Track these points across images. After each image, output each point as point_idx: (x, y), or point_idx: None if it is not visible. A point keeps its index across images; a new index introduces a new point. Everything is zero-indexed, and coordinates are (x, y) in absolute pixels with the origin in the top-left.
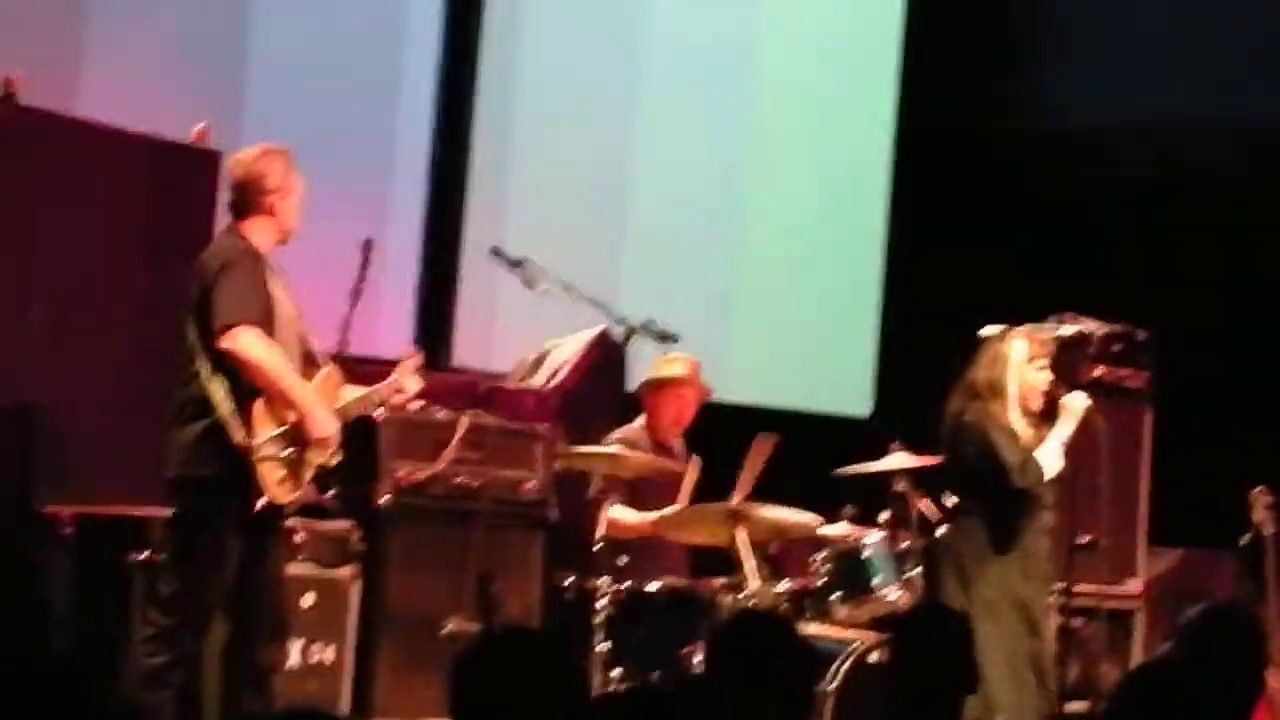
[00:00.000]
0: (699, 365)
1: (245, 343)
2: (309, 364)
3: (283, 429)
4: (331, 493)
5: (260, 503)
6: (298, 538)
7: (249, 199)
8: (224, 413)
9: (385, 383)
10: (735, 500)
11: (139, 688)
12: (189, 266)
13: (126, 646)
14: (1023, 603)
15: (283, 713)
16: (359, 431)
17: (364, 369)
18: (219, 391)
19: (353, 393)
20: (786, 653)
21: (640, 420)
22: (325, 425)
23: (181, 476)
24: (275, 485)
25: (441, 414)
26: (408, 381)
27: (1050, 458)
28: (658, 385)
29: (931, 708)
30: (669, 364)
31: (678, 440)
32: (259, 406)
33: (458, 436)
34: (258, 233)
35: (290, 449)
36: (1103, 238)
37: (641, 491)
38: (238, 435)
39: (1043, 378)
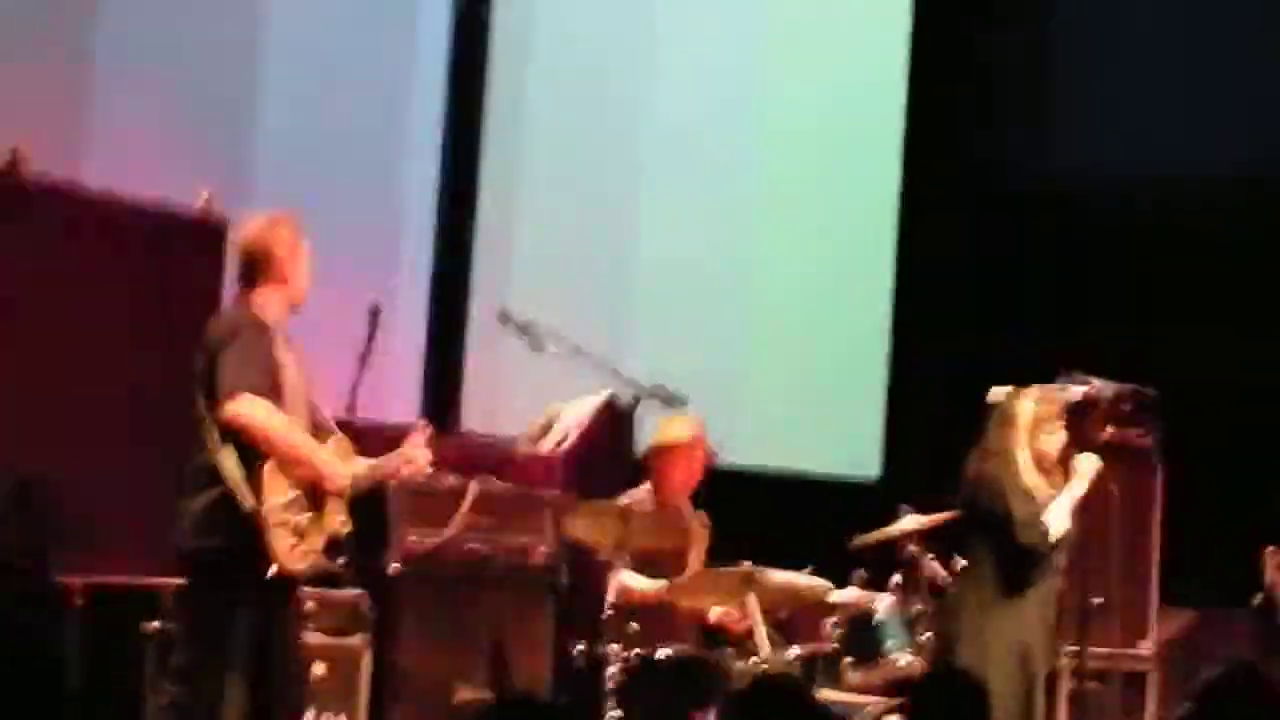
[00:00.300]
0: (703, 423)
1: (246, 409)
2: (320, 433)
3: (293, 494)
4: (342, 561)
5: (271, 571)
6: (308, 606)
7: (258, 268)
8: (233, 481)
9: (395, 454)
10: (746, 564)
11: None
12: (198, 337)
13: (140, 717)
14: (1024, 657)
15: None
16: (369, 499)
17: (371, 435)
18: (228, 460)
19: (362, 464)
20: (804, 717)
21: (646, 485)
22: (338, 475)
23: (193, 547)
24: (286, 553)
25: (450, 480)
26: (418, 454)
27: (1058, 519)
28: (665, 450)
29: None
30: (674, 426)
31: (686, 505)
32: (268, 471)
33: (467, 503)
34: (267, 301)
35: (301, 515)
36: (1110, 295)
37: (649, 558)
38: (247, 502)
39: (1055, 439)
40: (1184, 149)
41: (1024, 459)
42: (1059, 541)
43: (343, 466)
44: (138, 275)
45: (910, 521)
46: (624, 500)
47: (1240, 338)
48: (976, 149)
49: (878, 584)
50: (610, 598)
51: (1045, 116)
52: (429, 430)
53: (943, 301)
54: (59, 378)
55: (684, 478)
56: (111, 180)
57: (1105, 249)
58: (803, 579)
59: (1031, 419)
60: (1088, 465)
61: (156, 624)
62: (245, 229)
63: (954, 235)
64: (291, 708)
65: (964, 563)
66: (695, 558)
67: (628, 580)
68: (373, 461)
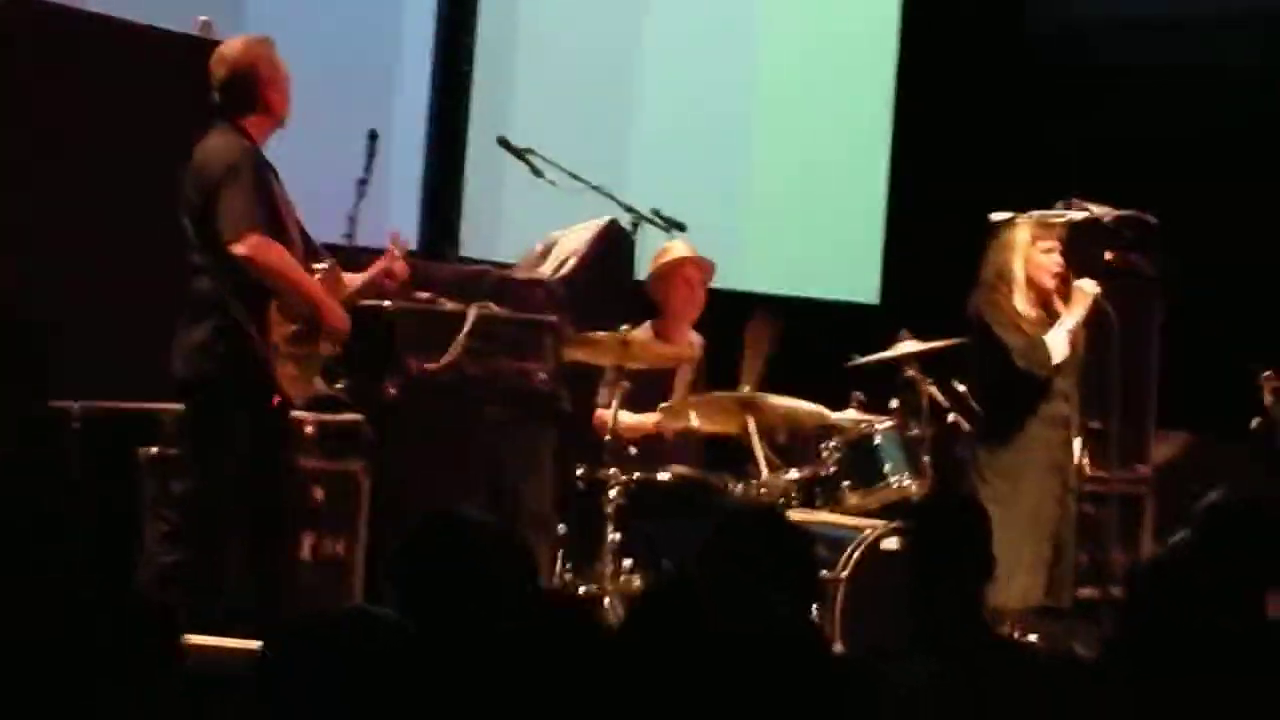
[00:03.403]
0: (700, 253)
1: (259, 251)
2: (310, 255)
3: (295, 328)
4: (340, 385)
5: (275, 400)
6: (307, 430)
7: (241, 94)
8: (237, 312)
9: (375, 268)
10: (745, 388)
11: (153, 585)
12: (184, 162)
13: (139, 543)
14: (1035, 491)
15: (338, 612)
16: (367, 323)
17: (370, 262)
18: (230, 291)
19: (352, 283)
20: (782, 545)
21: (648, 323)
22: (340, 318)
23: (193, 376)
24: (289, 383)
25: (450, 306)
26: (395, 265)
27: (1058, 343)
28: (663, 272)
29: (947, 595)
30: (671, 249)
31: (690, 334)
32: (273, 306)
33: (466, 328)
34: (255, 128)
35: (303, 346)
36: (1111, 126)
37: (648, 388)
38: (254, 336)
39: (1051, 259)
40: None
41: (1020, 283)
42: (1060, 366)
43: (342, 310)
44: (138, 98)
45: (908, 345)
46: (623, 332)
47: (1241, 167)
48: None
49: (876, 407)
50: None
51: None
52: (404, 243)
53: (943, 127)
54: (56, 201)
55: (684, 301)
56: (107, 4)
57: (1108, 80)
58: (801, 403)
59: (1028, 238)
60: (1086, 289)
61: (155, 449)
62: (222, 56)
63: (955, 61)
64: (289, 532)
65: (963, 388)
66: (681, 379)
67: (620, 417)
68: (358, 282)
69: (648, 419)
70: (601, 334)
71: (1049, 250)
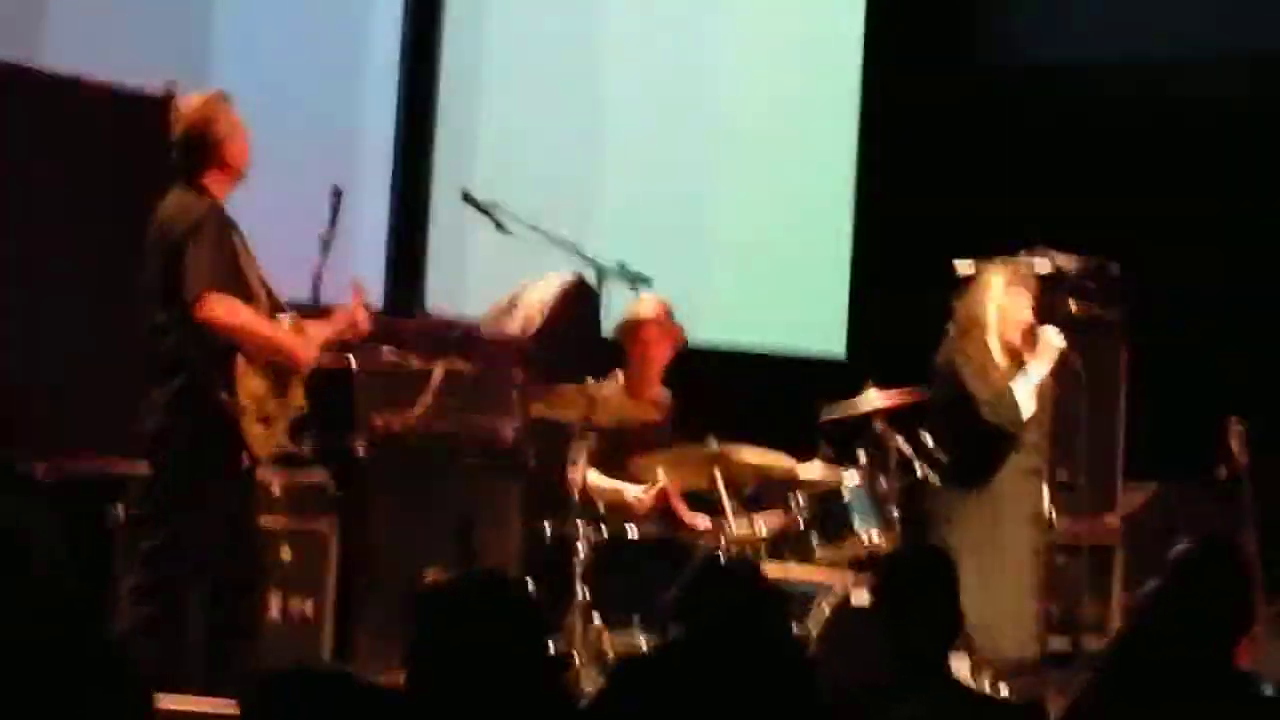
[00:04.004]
0: (667, 304)
1: (221, 310)
2: (274, 309)
3: (263, 384)
4: (308, 443)
5: (245, 459)
6: (274, 489)
7: (198, 151)
8: (203, 371)
9: (340, 318)
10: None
11: (124, 644)
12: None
13: (111, 602)
14: (1004, 544)
15: (308, 672)
16: (333, 381)
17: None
18: (194, 350)
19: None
20: (753, 598)
21: (617, 374)
22: (312, 356)
23: (161, 433)
24: (257, 442)
25: (416, 362)
26: (358, 315)
27: (1025, 397)
28: (631, 327)
29: (916, 649)
30: (640, 304)
31: (657, 387)
32: (240, 363)
33: (433, 384)
34: (214, 185)
35: (270, 402)
36: (1073, 172)
37: (617, 444)
38: (221, 394)
39: (1021, 306)
40: (1151, 26)
41: (992, 332)
42: (1029, 420)
43: (310, 343)
44: (103, 158)
45: (875, 398)
46: (591, 384)
47: (1202, 212)
48: (946, 19)
49: (843, 460)
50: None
51: None
52: (365, 293)
53: (906, 177)
54: (23, 261)
55: (653, 356)
56: (70, 64)
57: (1068, 125)
58: (770, 455)
59: (1000, 288)
60: (1053, 340)
61: (124, 508)
62: (179, 112)
63: (919, 109)
64: (257, 591)
65: (932, 441)
66: (649, 435)
67: (593, 480)
68: (322, 331)
69: (630, 490)
70: (568, 389)
71: (1020, 299)
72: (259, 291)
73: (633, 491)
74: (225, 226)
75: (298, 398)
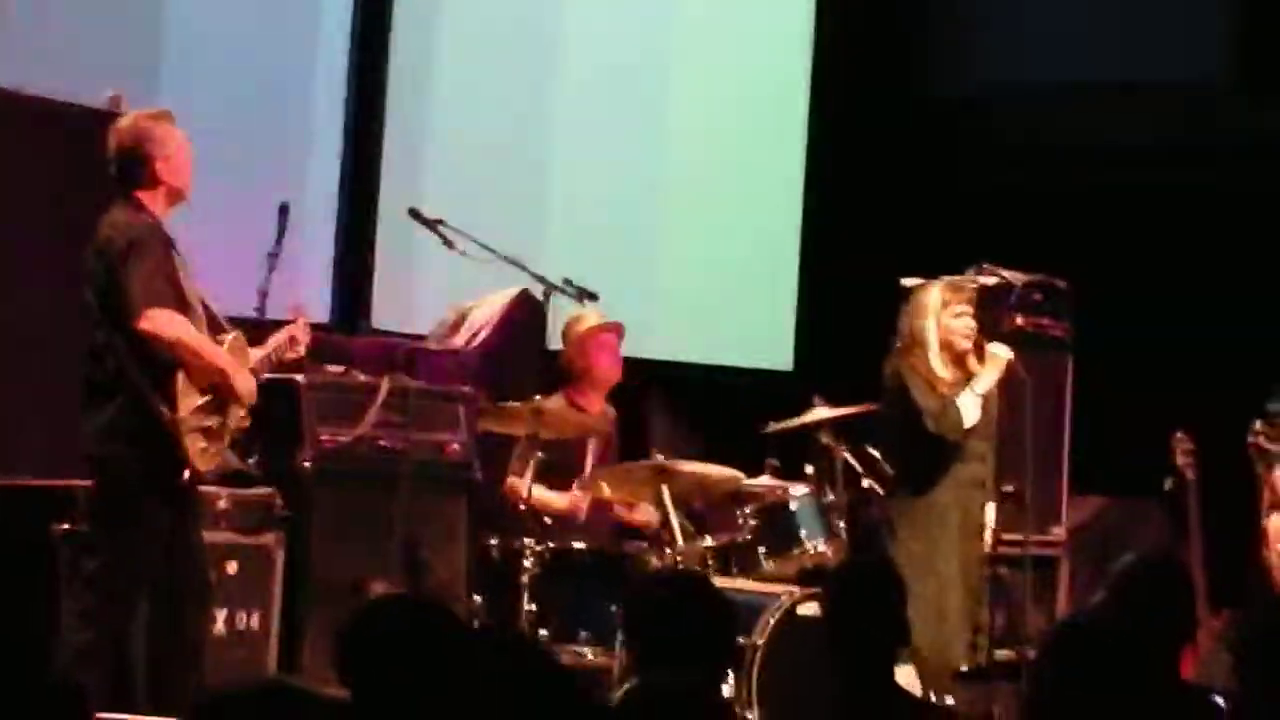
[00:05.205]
0: (617, 323)
1: (161, 325)
2: (213, 328)
3: (204, 399)
4: (253, 459)
5: (185, 475)
6: (220, 504)
7: (133, 169)
8: (144, 389)
9: (278, 337)
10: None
11: (68, 667)
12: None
13: (54, 623)
14: (950, 555)
15: (255, 688)
16: (279, 396)
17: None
18: (135, 367)
19: (256, 355)
20: (701, 609)
21: (560, 394)
22: (249, 384)
23: (101, 452)
24: (198, 456)
25: (362, 377)
26: (299, 333)
27: (969, 407)
28: (576, 341)
29: (863, 660)
30: (583, 318)
31: (603, 404)
32: (180, 379)
33: (379, 399)
34: (151, 202)
35: (210, 418)
36: (1019, 194)
37: (562, 458)
38: (162, 411)
39: (963, 324)
40: (1097, 55)
41: (934, 346)
42: (974, 429)
43: (250, 378)
44: (49, 173)
45: (822, 411)
46: (537, 399)
47: (1146, 232)
48: (891, 46)
49: (791, 474)
50: (519, 502)
51: (961, 16)
52: (305, 312)
53: (854, 193)
54: None
55: (598, 370)
56: (18, 77)
57: (1020, 147)
58: (715, 469)
59: (939, 303)
60: (999, 354)
61: (67, 526)
62: (115, 129)
63: (867, 128)
64: (202, 607)
65: (877, 453)
66: (593, 449)
67: (537, 494)
68: (262, 351)
69: (563, 498)
70: (514, 404)
71: (961, 314)
72: (198, 310)
73: (571, 495)
74: (165, 243)
75: (241, 413)
